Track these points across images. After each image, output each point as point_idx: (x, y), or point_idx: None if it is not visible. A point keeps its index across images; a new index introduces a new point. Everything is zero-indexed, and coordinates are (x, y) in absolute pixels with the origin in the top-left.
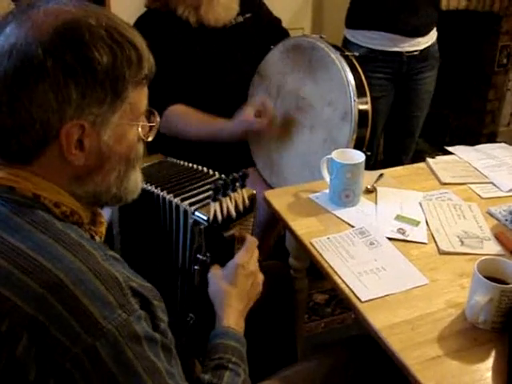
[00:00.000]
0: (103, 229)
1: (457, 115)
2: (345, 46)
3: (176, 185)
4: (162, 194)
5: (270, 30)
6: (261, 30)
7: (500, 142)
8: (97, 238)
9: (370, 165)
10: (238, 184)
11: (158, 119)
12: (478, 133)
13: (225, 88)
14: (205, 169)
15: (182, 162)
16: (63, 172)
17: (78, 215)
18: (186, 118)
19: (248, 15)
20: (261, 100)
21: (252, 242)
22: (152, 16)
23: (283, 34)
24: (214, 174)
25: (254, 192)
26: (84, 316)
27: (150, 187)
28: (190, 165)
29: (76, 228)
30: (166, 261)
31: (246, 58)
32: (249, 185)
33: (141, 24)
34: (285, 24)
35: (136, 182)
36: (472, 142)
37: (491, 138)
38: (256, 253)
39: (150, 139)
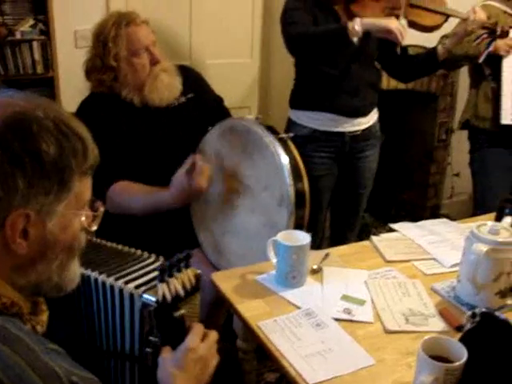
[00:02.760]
0: (45, 317)
1: (401, 189)
2: (289, 126)
3: (112, 268)
4: (100, 277)
5: (212, 109)
6: (203, 110)
7: (443, 214)
8: (38, 327)
9: (318, 241)
10: (182, 264)
11: (102, 209)
12: (422, 206)
13: (168, 167)
14: (138, 251)
15: (105, 243)
16: (5, 261)
17: (19, 306)
18: (129, 193)
19: (190, 95)
20: (191, 159)
21: (198, 326)
22: (96, 99)
23: (224, 113)
24: (150, 256)
25: (199, 271)
26: None
27: (84, 270)
28: (119, 246)
29: (15, 321)
30: (108, 347)
31: (188, 137)
32: (194, 265)
33: (85, 107)
34: (232, 103)
35: (75, 271)
36: (416, 214)
37: (435, 211)
38: (212, 336)
39: (93, 229)
